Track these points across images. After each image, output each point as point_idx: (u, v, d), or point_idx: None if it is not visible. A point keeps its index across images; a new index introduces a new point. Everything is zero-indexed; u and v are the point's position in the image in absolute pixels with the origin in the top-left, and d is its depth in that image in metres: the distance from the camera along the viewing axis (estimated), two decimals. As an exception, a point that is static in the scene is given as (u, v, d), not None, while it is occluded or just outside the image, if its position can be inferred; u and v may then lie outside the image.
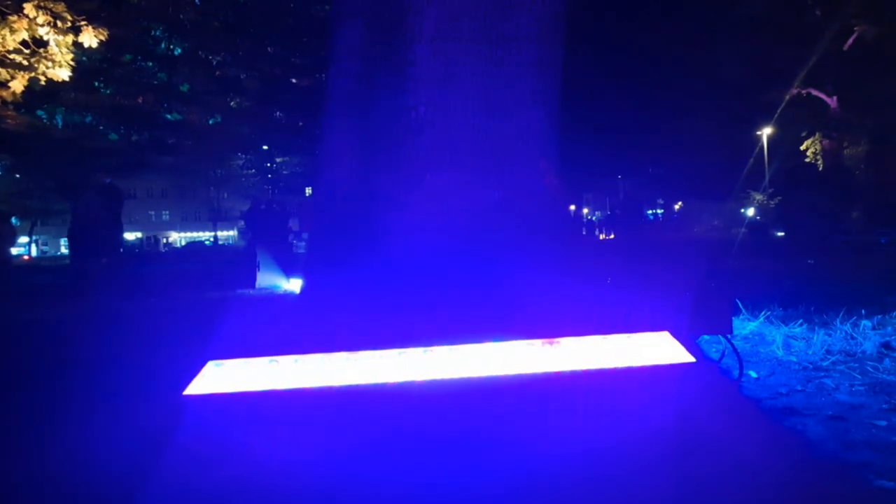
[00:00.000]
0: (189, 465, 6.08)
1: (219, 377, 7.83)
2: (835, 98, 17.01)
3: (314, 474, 5.49)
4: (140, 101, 9.82)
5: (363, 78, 8.20)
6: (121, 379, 10.46)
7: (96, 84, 11.38)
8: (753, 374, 7.65)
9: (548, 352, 5.54)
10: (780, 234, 15.31)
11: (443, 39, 8.08)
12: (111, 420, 7.84)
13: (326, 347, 9.65)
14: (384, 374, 8.78)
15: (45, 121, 10.50)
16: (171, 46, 12.11)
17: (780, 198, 19.36)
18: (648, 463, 5.09)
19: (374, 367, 9.09)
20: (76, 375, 11.26)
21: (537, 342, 5.64)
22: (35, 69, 7.67)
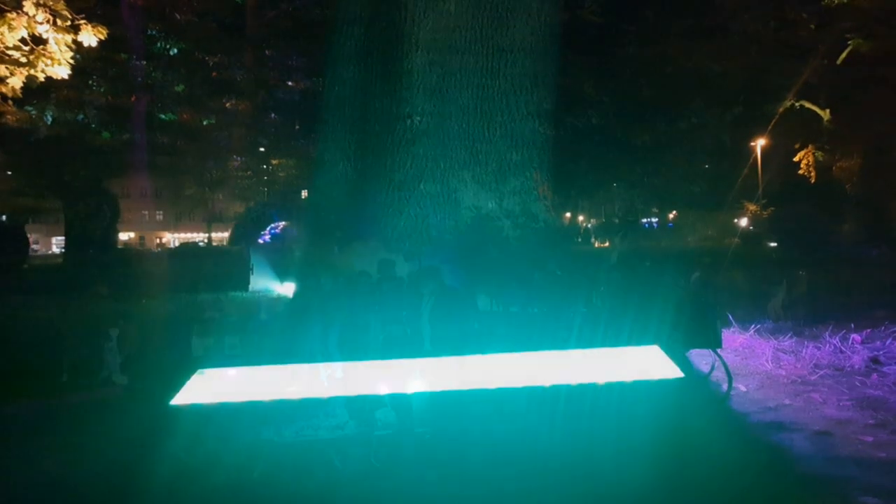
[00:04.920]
0: (175, 474, 6.07)
1: (205, 386, 7.78)
2: (827, 111, 17.16)
3: (299, 484, 5.49)
4: (133, 100, 9.80)
5: (359, 85, 8.21)
6: (111, 384, 10.43)
7: (90, 82, 11.34)
8: (742, 388, 7.66)
9: (540, 365, 5.53)
10: (773, 244, 15.40)
11: (439, 50, 8.11)
12: (100, 429, 7.80)
13: (311, 357, 9.60)
14: (372, 385, 8.74)
15: (33, 116, 10.46)
16: (168, 46, 12.08)
17: (772, 208, 19.47)
18: (639, 476, 5.09)
19: (361, 378, 9.05)
20: (63, 377, 11.21)
21: (531, 355, 5.63)
22: (34, 66, 7.65)
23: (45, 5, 7.68)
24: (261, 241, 19.92)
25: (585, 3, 11.31)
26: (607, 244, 23.85)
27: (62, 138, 11.10)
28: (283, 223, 19.97)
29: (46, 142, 12.62)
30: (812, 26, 14.11)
